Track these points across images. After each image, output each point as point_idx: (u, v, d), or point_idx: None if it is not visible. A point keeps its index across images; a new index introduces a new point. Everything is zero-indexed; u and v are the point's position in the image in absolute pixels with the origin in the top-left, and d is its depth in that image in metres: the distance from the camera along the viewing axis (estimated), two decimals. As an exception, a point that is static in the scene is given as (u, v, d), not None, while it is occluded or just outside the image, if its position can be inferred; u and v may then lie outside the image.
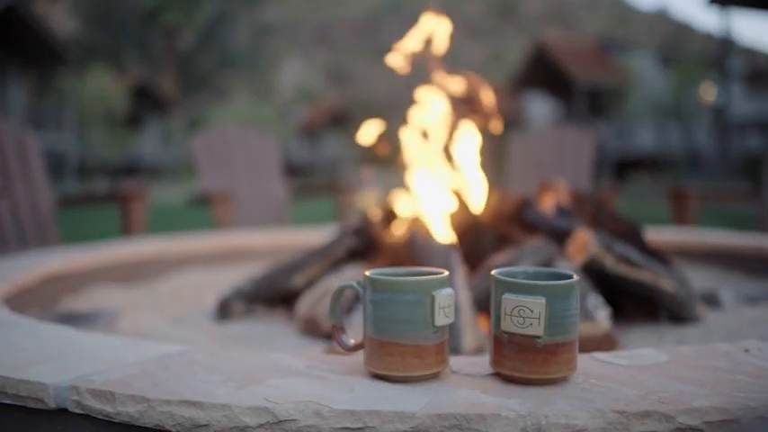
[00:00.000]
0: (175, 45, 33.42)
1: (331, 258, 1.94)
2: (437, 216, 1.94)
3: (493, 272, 0.89)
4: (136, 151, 26.47)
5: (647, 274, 1.64)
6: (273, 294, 1.91)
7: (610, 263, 1.62)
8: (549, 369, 0.83)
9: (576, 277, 0.86)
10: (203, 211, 4.31)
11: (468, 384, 0.84)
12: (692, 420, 0.74)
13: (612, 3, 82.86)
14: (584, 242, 1.65)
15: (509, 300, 0.84)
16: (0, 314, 1.26)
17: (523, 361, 0.83)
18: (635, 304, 1.74)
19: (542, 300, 0.82)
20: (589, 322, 1.41)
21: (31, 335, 1.09)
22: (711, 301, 1.86)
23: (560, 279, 0.87)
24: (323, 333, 1.61)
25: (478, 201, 2.03)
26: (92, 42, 32.12)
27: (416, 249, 1.72)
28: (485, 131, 2.14)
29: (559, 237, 1.81)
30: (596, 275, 1.65)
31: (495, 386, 0.83)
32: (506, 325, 0.84)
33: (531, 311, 0.82)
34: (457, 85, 2.12)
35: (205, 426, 0.76)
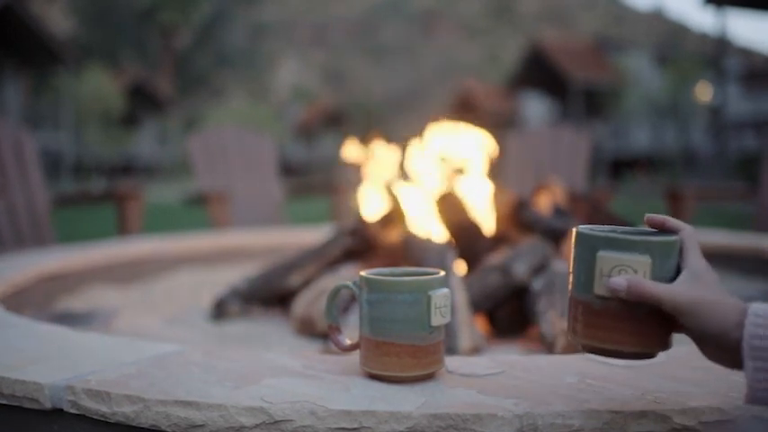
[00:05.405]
0: (172, 44, 33.39)
1: (327, 258, 1.94)
2: (433, 216, 1.94)
3: (580, 227, 0.75)
4: (132, 150, 26.42)
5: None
6: (269, 294, 1.91)
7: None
8: (650, 341, 0.71)
9: (676, 237, 0.74)
10: (199, 210, 4.31)
11: (464, 384, 0.84)
12: (687, 420, 0.74)
13: (609, 2, 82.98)
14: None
15: (607, 258, 0.70)
16: (-5, 314, 1.26)
17: (622, 332, 0.71)
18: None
19: (648, 258, 0.70)
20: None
21: (26, 335, 1.09)
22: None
23: (659, 236, 0.74)
24: (319, 333, 1.61)
25: (476, 201, 2.03)
26: (88, 42, 32.11)
27: (412, 249, 1.72)
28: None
29: (555, 236, 1.81)
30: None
31: (492, 386, 0.83)
32: (601, 288, 0.71)
33: (636, 272, 0.70)
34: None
35: (201, 426, 0.76)
